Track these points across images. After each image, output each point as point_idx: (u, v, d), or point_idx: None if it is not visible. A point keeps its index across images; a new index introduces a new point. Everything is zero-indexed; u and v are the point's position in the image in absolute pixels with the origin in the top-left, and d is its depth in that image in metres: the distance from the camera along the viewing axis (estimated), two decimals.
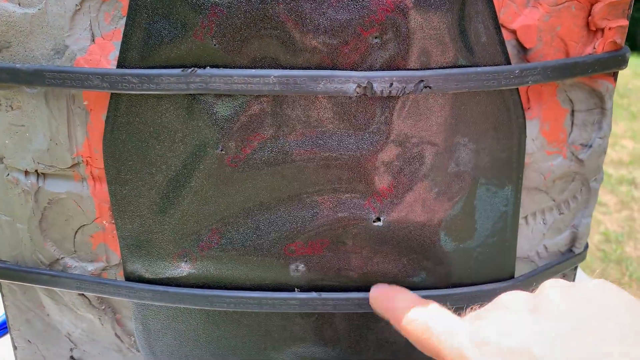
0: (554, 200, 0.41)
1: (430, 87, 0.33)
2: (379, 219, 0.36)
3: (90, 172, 0.37)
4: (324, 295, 0.37)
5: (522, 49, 0.36)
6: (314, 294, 0.37)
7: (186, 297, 0.37)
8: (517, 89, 0.35)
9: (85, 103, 0.35)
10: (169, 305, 0.38)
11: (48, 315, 0.43)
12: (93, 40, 0.34)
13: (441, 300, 0.38)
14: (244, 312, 0.38)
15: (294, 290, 0.37)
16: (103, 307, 0.41)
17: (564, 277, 0.46)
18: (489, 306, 0.28)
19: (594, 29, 0.37)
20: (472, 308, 0.29)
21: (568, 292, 0.26)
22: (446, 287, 0.38)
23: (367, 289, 0.37)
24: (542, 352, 0.22)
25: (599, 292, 0.25)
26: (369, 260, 0.36)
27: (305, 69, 0.32)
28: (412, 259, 0.37)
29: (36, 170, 0.37)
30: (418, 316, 0.29)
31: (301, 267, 0.36)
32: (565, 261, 0.43)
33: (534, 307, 0.25)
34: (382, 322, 0.39)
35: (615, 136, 3.14)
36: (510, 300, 0.27)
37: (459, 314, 0.29)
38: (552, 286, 0.27)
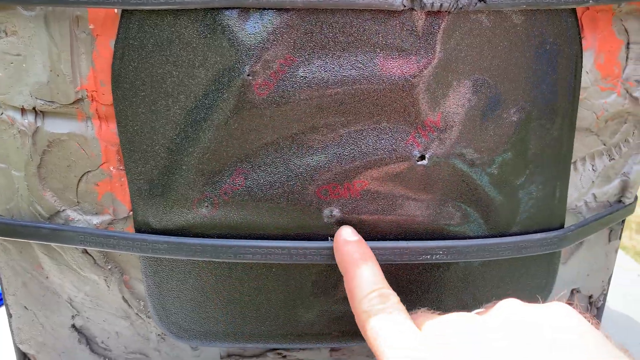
0: (604, 144, 0.38)
1: (484, 2, 0.29)
2: (423, 157, 0.32)
3: (96, 109, 0.33)
4: None
5: None
6: None
7: (207, 248, 0.33)
8: (575, 10, 0.32)
9: (90, 27, 0.31)
10: (187, 258, 0.33)
11: (47, 277, 0.38)
12: None
13: (487, 251, 0.34)
14: (271, 264, 0.34)
15: (327, 239, 0.33)
16: (109, 267, 0.37)
17: (610, 232, 0.43)
18: (454, 336, 0.25)
19: None
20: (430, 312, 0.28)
21: (527, 321, 0.25)
22: (492, 237, 0.35)
23: (407, 238, 0.34)
24: None
25: (559, 319, 0.24)
26: (410, 205, 0.33)
27: None
28: (457, 205, 0.33)
29: (34, 108, 0.33)
30: (373, 320, 0.27)
31: (336, 212, 0.32)
32: (614, 212, 0.40)
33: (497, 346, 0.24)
34: (427, 271, 0.35)
35: None
36: (475, 335, 0.25)
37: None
38: (509, 312, 0.26)
